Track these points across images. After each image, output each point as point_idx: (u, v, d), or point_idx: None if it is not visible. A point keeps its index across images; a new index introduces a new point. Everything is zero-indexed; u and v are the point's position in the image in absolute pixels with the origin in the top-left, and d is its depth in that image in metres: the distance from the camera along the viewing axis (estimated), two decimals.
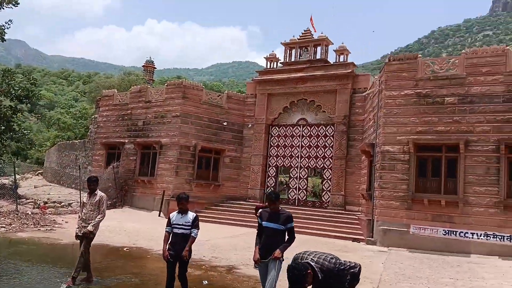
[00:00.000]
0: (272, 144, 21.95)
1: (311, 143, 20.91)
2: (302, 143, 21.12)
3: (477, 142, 13.48)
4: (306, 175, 21.19)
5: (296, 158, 21.14)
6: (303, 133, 21.21)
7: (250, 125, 22.38)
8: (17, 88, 21.53)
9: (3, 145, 22.71)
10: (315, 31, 22.81)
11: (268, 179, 21.76)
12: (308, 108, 21.29)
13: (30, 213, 16.21)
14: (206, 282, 8.22)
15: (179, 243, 6.44)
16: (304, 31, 22.87)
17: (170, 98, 21.50)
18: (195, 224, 6.54)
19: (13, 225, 13.48)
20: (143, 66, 71.34)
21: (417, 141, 14.26)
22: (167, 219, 6.77)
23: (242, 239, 14.03)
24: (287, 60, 22.54)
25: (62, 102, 66.19)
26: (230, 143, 22.17)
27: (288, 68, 22.07)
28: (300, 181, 20.94)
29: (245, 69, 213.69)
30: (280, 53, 23.49)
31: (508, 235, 12.52)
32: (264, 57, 23.42)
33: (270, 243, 5.86)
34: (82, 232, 7.49)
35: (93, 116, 30.35)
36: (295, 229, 6.09)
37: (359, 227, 16.47)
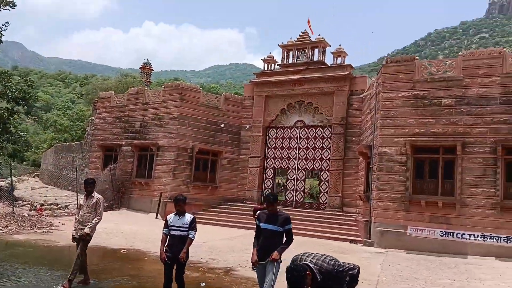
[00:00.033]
0: (269, 146, 21.96)
1: (308, 145, 20.92)
2: (300, 144, 21.13)
3: (474, 143, 13.52)
4: (304, 176, 21.20)
5: (293, 159, 21.14)
6: (300, 134, 21.22)
7: (247, 127, 22.37)
8: (13, 90, 21.50)
9: (0, 147, 22.63)
10: (312, 33, 22.88)
11: (265, 181, 21.75)
12: (306, 110, 21.31)
13: (26, 215, 16.13)
14: (204, 284, 8.19)
15: (176, 245, 6.40)
16: (302, 33, 22.91)
17: (168, 100, 21.49)
18: (192, 226, 6.50)
19: (9, 227, 13.41)
20: (141, 68, 71.34)
21: (414, 142, 14.29)
22: (164, 221, 6.73)
23: (239, 241, 14.01)
24: (285, 62, 22.57)
25: (59, 104, 66.01)
26: (228, 145, 22.16)
27: (286, 70, 22.09)
28: (297, 183, 20.94)
29: (242, 71, 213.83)
30: (277, 55, 23.58)
31: (505, 236, 12.56)
32: (262, 59, 23.44)
33: (268, 245, 5.83)
34: (78, 234, 7.45)
35: (90, 118, 30.31)
36: (292, 230, 6.07)
37: (357, 228, 16.48)
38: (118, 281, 8.06)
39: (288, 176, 21.50)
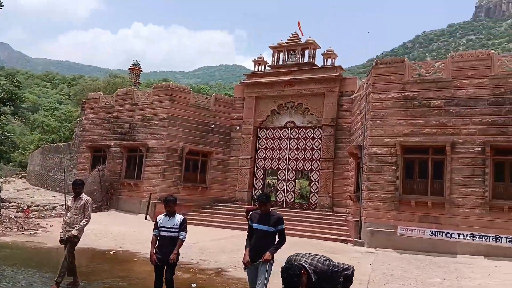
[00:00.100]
0: (260, 146, 21.93)
1: (299, 146, 20.94)
2: (290, 145, 21.14)
3: (463, 144, 13.64)
4: (294, 177, 21.20)
5: (284, 160, 21.14)
6: (291, 135, 21.23)
7: (238, 128, 22.32)
8: (0, 91, 21.15)
9: None
10: (302, 35, 22.92)
11: (256, 182, 21.72)
12: (296, 111, 21.33)
13: (13, 216, 15.91)
14: (195, 285, 8.13)
15: (166, 246, 6.32)
16: (292, 34, 22.94)
17: (157, 101, 21.35)
18: (183, 227, 6.43)
19: None
20: (129, 69, 70.75)
21: (404, 143, 14.37)
22: (154, 222, 6.65)
23: (230, 242, 13.96)
24: (275, 63, 22.58)
25: (46, 105, 65.23)
26: (218, 146, 22.08)
27: (276, 71, 22.10)
28: (288, 183, 20.95)
29: (232, 72, 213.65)
30: (267, 57, 23.56)
31: (494, 235, 12.69)
32: (252, 60, 23.42)
33: (260, 245, 5.79)
34: (66, 236, 7.33)
35: (78, 119, 30.01)
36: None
37: (347, 228, 16.53)
38: (108, 283, 7.96)
39: (278, 176, 21.49)
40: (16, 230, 13.58)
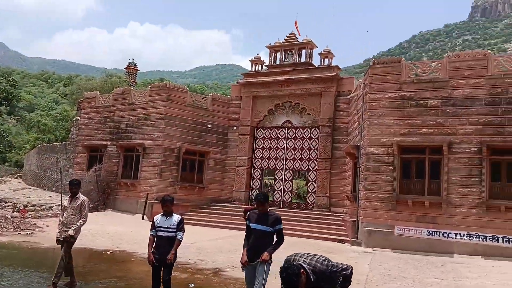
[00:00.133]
0: (257, 146, 21.92)
1: (296, 145, 20.95)
2: (287, 145, 21.14)
3: (460, 144, 13.68)
4: (291, 177, 21.20)
5: (281, 160, 21.14)
6: (288, 135, 21.24)
7: (235, 128, 22.30)
8: None
9: None
10: (299, 35, 22.93)
11: (253, 181, 21.71)
12: (293, 110, 21.34)
13: (9, 216, 15.84)
14: (193, 285, 8.11)
15: (164, 246, 6.30)
16: (289, 34, 22.94)
17: (154, 100, 21.31)
18: (180, 226, 6.40)
19: None
20: (126, 68, 70.62)
21: (401, 143, 14.40)
22: (151, 222, 6.62)
23: (227, 242, 13.95)
24: (272, 63, 22.57)
25: (42, 104, 64.97)
26: (215, 146, 22.06)
27: (273, 71, 22.10)
28: (285, 183, 20.95)
29: (228, 72, 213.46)
30: (264, 56, 23.58)
31: (490, 235, 12.74)
32: (249, 60, 23.41)
33: (258, 245, 5.77)
34: (63, 236, 7.30)
35: (74, 119, 29.88)
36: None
37: (344, 228, 16.54)
38: (106, 283, 7.93)
39: (275, 176, 21.48)
40: (12, 230, 13.52)
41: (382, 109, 15.01)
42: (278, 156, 21.23)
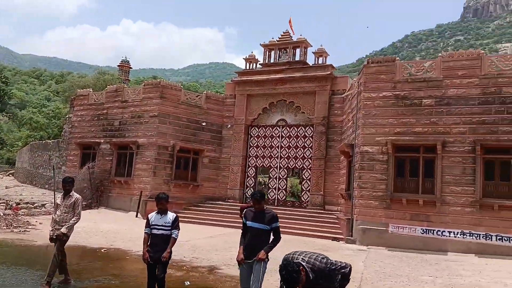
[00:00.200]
0: (251, 144, 21.91)
1: (290, 144, 20.96)
2: (282, 143, 21.15)
3: (453, 143, 13.76)
4: (286, 175, 21.21)
5: (275, 158, 21.15)
6: (282, 133, 21.24)
7: (229, 126, 22.27)
8: None
9: None
10: (293, 34, 22.93)
11: (247, 180, 21.69)
12: (288, 109, 21.35)
13: (2, 214, 15.71)
14: (188, 283, 8.08)
15: (158, 244, 6.26)
16: (283, 33, 22.93)
17: (148, 98, 21.21)
18: (175, 224, 6.36)
19: None
20: (119, 65, 70.38)
21: (395, 142, 14.45)
22: (145, 220, 6.56)
23: (222, 239, 13.94)
24: (267, 62, 22.56)
25: (34, 101, 64.43)
26: (209, 144, 22.01)
27: (268, 69, 22.08)
28: (279, 182, 20.96)
29: (222, 70, 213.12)
30: (259, 55, 23.54)
31: (484, 233, 12.83)
32: (243, 58, 23.37)
33: (254, 243, 5.72)
34: (55, 234, 7.23)
35: (67, 116, 29.69)
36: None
37: (339, 226, 16.59)
38: (100, 281, 7.88)
39: (270, 174, 21.48)
40: (5, 227, 13.41)
41: (376, 108, 15.06)
42: (273, 155, 21.24)
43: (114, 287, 7.56)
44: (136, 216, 18.93)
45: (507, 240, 12.54)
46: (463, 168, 13.52)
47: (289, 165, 20.95)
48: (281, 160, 21.01)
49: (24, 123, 46.00)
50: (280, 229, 5.90)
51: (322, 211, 18.78)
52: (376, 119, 14.96)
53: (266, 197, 20.84)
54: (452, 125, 13.86)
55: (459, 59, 14.33)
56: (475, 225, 13.01)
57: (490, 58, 14.21)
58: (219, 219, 18.29)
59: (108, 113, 22.65)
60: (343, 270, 4.41)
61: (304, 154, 20.50)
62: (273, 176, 21.21)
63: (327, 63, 20.98)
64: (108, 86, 25.03)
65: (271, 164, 21.27)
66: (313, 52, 21.42)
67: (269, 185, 21.30)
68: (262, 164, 21.59)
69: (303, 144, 20.65)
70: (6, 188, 28.32)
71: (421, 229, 13.55)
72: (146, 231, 6.39)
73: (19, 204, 19.86)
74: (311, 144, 20.30)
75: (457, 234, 13.06)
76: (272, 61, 22.43)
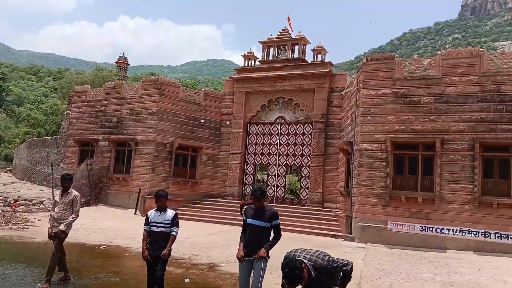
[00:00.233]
0: (250, 142, 21.89)
1: (289, 141, 20.96)
2: (280, 141, 21.14)
3: (452, 140, 13.77)
4: (284, 172, 21.22)
5: (274, 155, 21.14)
6: (281, 131, 21.23)
7: (228, 123, 22.25)
8: None
9: None
10: (292, 31, 22.89)
11: (246, 177, 21.69)
12: (286, 106, 21.33)
13: (0, 211, 15.66)
14: (188, 280, 8.08)
15: (158, 242, 6.21)
16: (282, 30, 22.90)
17: (146, 95, 21.16)
18: (175, 222, 6.32)
19: None
20: (116, 62, 70.21)
21: (394, 139, 14.46)
22: (145, 218, 6.51)
23: (221, 237, 13.94)
24: (265, 59, 22.53)
25: (31, 98, 64.20)
26: (208, 141, 21.99)
27: (266, 67, 22.06)
28: (278, 179, 20.97)
29: (220, 67, 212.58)
30: (257, 52, 23.51)
31: (483, 231, 12.87)
32: (242, 55, 23.34)
33: (254, 241, 5.70)
34: (54, 232, 7.20)
35: (65, 113, 29.58)
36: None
37: (337, 223, 16.61)
38: (100, 278, 7.86)
39: (269, 171, 21.48)
40: (3, 224, 13.38)
41: (375, 106, 15.06)
42: (271, 152, 21.23)
43: (114, 285, 7.52)
44: (135, 213, 18.92)
45: (506, 237, 12.60)
46: (462, 166, 13.55)
47: (287, 162, 20.95)
48: (280, 157, 21.00)
49: (21, 120, 45.86)
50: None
51: (321, 209, 18.80)
52: (375, 117, 14.97)
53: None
54: (451, 123, 13.88)
55: (458, 57, 14.34)
56: (474, 222, 13.05)
57: (489, 56, 14.20)
58: (218, 216, 18.30)
59: (106, 109, 22.59)
60: (345, 268, 4.42)
61: (303, 152, 20.51)
62: (271, 173, 21.21)
63: (326, 60, 20.97)
64: (106, 83, 24.96)
65: (269, 161, 21.27)
66: (312, 50, 21.42)
67: (268, 182, 21.30)
68: (260, 161, 21.59)
69: (301, 141, 20.65)
70: (4, 184, 28.25)
71: (420, 226, 13.58)
72: (145, 228, 6.35)
73: (17, 201, 19.82)
74: (310, 141, 20.30)
75: (456, 232, 13.10)
76: (270, 58, 22.41)
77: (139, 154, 20.58)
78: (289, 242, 10.45)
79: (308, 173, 20.08)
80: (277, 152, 21.09)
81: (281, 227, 5.97)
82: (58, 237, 7.15)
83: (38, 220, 14.66)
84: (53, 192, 16.80)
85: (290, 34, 22.58)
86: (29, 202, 19.69)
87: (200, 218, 18.26)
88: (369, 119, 15.07)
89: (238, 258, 5.79)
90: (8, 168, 41.50)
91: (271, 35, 22.85)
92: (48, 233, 7.34)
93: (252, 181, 21.56)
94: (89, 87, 25.23)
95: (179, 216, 6.63)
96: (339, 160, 18.82)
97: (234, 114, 22.05)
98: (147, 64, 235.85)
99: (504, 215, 12.83)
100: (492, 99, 13.59)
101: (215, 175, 22.00)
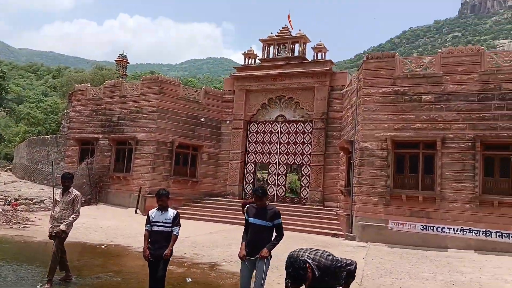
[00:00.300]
0: (250, 140, 21.87)
1: (289, 140, 20.94)
2: (281, 139, 21.13)
3: (453, 139, 13.76)
4: (285, 171, 21.20)
5: (274, 154, 21.13)
6: (281, 129, 21.22)
7: (228, 121, 22.23)
8: None
9: None
10: (292, 29, 22.87)
11: (246, 176, 21.68)
12: (287, 105, 21.31)
13: (1, 210, 15.65)
14: (190, 279, 8.07)
15: (159, 241, 6.18)
16: (282, 28, 22.86)
17: (146, 93, 21.14)
18: (176, 221, 6.29)
19: None
20: (116, 60, 70.17)
21: (395, 138, 14.45)
22: (146, 217, 6.47)
23: (222, 236, 13.93)
24: (265, 57, 22.49)
25: (31, 96, 64.11)
26: (208, 139, 21.97)
27: (267, 65, 22.02)
28: (278, 178, 20.96)
29: (219, 66, 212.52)
30: (257, 50, 23.49)
31: (484, 229, 12.86)
32: (242, 53, 23.31)
33: (256, 240, 5.68)
34: (54, 231, 7.19)
35: (65, 111, 29.54)
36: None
37: (338, 222, 16.61)
38: (102, 277, 7.85)
39: (269, 170, 21.47)
40: (4, 223, 13.37)
41: (376, 104, 15.04)
42: (272, 150, 21.22)
43: (115, 284, 7.52)
44: (135, 212, 18.91)
45: (507, 236, 12.59)
46: (462, 165, 13.54)
47: (288, 161, 20.94)
48: (280, 156, 20.99)
49: (21, 118, 45.82)
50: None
51: (322, 207, 18.80)
52: (376, 115, 14.95)
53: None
54: (452, 121, 13.87)
55: (458, 55, 14.32)
56: (475, 221, 13.04)
57: (490, 54, 14.20)
58: (218, 215, 18.30)
59: (106, 108, 22.56)
60: (348, 267, 4.41)
61: (303, 150, 20.49)
62: (272, 172, 21.20)
63: (326, 58, 20.94)
64: (106, 81, 24.93)
65: (270, 160, 21.25)
66: (312, 48, 21.39)
67: (268, 181, 21.29)
68: (261, 160, 21.57)
69: (302, 140, 20.63)
70: (4, 183, 28.21)
71: (421, 225, 13.58)
72: (146, 228, 6.32)
73: (17, 200, 19.81)
74: (310, 140, 20.28)
75: (456, 231, 13.09)
76: (271, 56, 22.38)
77: (139, 152, 20.56)
78: (290, 241, 10.46)
79: (309, 172, 20.07)
80: (277, 151, 21.08)
81: (283, 226, 5.95)
82: (58, 237, 7.14)
83: (39, 219, 14.64)
84: (53, 191, 16.80)
85: (290, 32, 22.55)
86: (30, 201, 19.68)
87: (200, 217, 18.25)
88: (369, 118, 15.05)
89: (240, 257, 5.78)
90: (8, 167, 41.47)
91: (271, 33, 22.81)
92: (49, 232, 7.32)
93: (252, 180, 21.56)
94: (89, 85, 25.19)
95: (179, 215, 6.62)
96: (339, 159, 18.81)
97: (234, 112, 22.03)
98: (147, 63, 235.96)
99: (505, 214, 12.82)
100: (493, 98, 13.57)
101: (215, 174, 21.99)
